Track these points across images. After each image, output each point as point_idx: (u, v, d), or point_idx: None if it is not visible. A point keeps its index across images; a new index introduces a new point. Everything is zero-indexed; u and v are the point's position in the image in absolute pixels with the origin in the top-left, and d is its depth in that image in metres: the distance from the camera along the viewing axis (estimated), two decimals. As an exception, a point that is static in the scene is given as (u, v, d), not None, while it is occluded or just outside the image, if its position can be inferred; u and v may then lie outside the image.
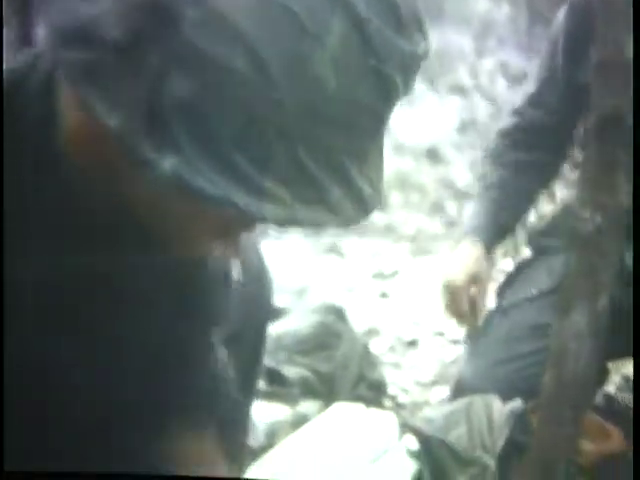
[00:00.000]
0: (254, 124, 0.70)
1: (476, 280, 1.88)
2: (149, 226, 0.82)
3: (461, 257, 1.90)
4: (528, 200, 2.04)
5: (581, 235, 0.65)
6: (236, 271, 0.99)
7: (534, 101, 1.96)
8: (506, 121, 2.03)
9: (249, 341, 1.25)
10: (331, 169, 0.73)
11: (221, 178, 0.69)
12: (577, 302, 0.60)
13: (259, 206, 0.70)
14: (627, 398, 2.18)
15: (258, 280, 1.16)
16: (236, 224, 0.83)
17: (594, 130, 0.81)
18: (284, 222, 0.73)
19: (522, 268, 2.07)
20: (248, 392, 1.30)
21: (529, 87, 1.99)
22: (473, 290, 1.88)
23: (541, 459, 0.59)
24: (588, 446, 1.77)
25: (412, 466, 1.76)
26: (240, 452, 1.32)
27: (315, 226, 0.75)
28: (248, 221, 0.81)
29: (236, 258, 0.99)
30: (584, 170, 0.81)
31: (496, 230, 1.96)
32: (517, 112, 2.00)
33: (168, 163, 0.69)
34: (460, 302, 1.87)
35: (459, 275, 1.87)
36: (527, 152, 1.96)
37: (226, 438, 1.06)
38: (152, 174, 0.69)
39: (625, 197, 0.69)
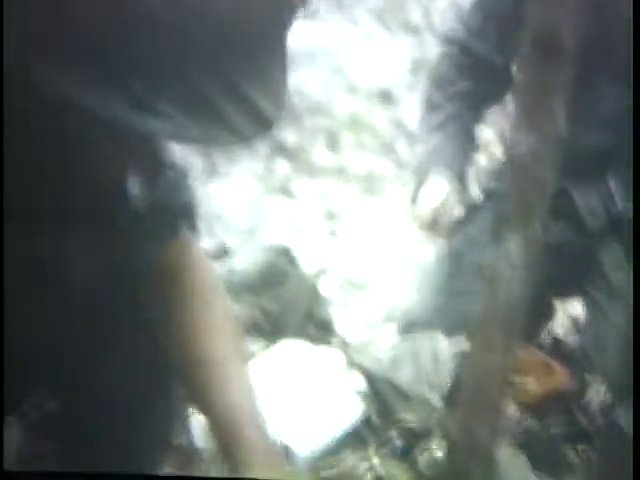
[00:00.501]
0: (147, 46, 0.71)
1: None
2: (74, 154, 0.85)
3: (433, 193, 1.90)
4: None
5: (515, 160, 0.64)
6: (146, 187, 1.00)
7: (477, 31, 1.92)
8: (451, 49, 2.00)
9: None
10: (226, 88, 0.75)
11: (113, 99, 0.71)
12: (510, 229, 0.59)
13: (151, 124, 0.73)
14: (573, 339, 2.21)
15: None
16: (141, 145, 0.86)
17: (529, 51, 0.79)
18: (176, 138, 0.78)
19: (471, 211, 2.07)
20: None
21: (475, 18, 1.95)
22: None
23: (474, 387, 0.58)
24: (533, 384, 1.79)
25: (359, 405, 1.76)
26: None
27: (209, 142, 0.79)
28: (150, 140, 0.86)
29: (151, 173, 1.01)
30: (519, 93, 0.80)
31: (464, 159, 1.95)
32: (460, 41, 1.96)
33: (63, 84, 0.70)
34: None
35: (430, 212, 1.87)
36: (475, 81, 1.94)
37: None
38: (49, 94, 0.71)
39: (562, 122, 0.68)
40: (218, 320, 1.18)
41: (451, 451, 0.56)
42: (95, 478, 0.91)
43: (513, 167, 0.66)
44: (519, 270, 0.54)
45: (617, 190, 1.83)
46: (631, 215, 0.81)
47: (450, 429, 0.55)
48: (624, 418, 0.70)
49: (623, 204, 1.81)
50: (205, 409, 1.16)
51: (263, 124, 0.79)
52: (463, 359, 1.59)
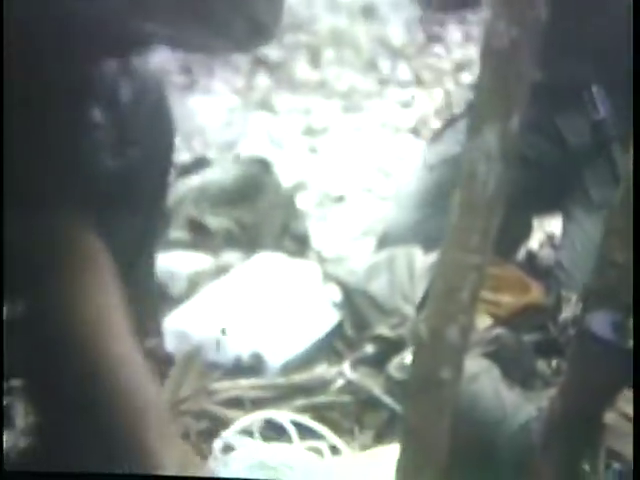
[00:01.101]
0: None
1: None
2: None
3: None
4: None
5: (495, 50, 0.62)
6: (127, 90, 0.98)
7: None
8: None
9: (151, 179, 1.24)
10: None
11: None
12: (488, 121, 0.57)
13: (149, 27, 0.74)
14: (549, 255, 2.22)
15: (155, 111, 1.14)
16: (125, 43, 0.83)
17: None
18: (174, 43, 0.80)
19: (450, 124, 2.04)
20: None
21: None
22: None
23: (445, 288, 0.57)
24: (507, 300, 1.80)
25: (334, 316, 1.76)
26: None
27: (209, 49, 0.78)
28: (138, 40, 0.81)
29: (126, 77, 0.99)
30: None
31: None
32: None
33: None
34: None
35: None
36: None
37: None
38: None
39: (544, 10, 0.66)
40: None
41: (420, 354, 0.55)
42: (95, 478, 0.91)
43: (491, 58, 0.64)
44: (496, 162, 0.52)
45: (601, 100, 1.82)
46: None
47: (420, 331, 0.55)
48: (595, 323, 0.69)
49: (606, 110, 1.80)
50: None
51: (263, 35, 0.80)
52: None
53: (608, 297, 0.69)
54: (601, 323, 0.68)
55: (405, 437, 0.57)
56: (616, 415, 1.43)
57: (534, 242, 2.26)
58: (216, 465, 1.34)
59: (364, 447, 1.47)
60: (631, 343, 0.68)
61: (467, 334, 0.56)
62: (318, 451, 1.43)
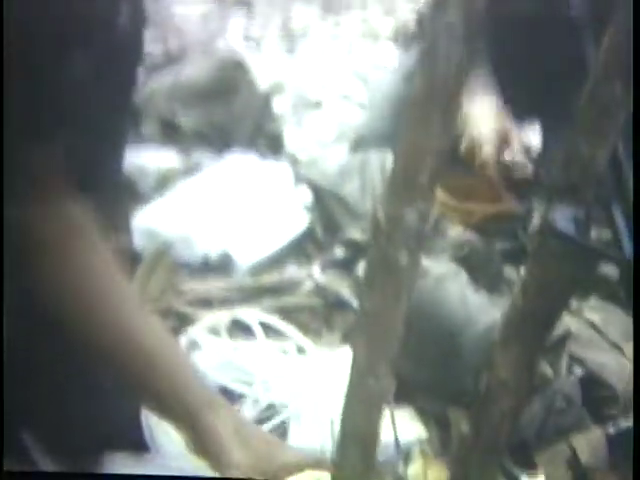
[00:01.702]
0: None
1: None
2: None
3: None
4: None
5: None
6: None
7: None
8: None
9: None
10: None
11: None
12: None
13: None
14: (524, 165, 2.20)
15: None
16: None
17: None
18: None
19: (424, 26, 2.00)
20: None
21: None
22: None
23: (404, 172, 0.55)
24: (478, 206, 1.79)
25: (304, 219, 1.76)
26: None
27: None
28: None
29: None
30: None
31: None
32: None
33: None
34: None
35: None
36: None
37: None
38: None
39: None
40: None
41: (377, 238, 0.54)
42: (95, 478, 0.89)
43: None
44: (459, 40, 0.50)
45: None
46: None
47: (377, 216, 0.53)
48: (558, 219, 0.68)
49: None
50: None
51: None
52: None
53: (571, 192, 0.68)
54: (563, 218, 0.68)
55: (360, 324, 0.56)
56: (580, 323, 1.45)
57: (510, 153, 2.24)
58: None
59: (331, 347, 1.48)
60: (592, 240, 0.68)
61: (426, 220, 0.55)
62: (284, 351, 1.43)
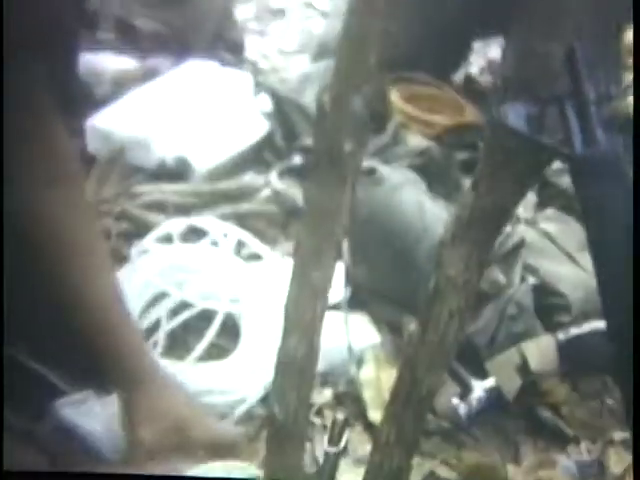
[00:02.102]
0: None
1: None
2: None
3: None
4: None
5: None
6: None
7: None
8: None
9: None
10: None
11: None
12: None
13: None
14: (487, 80, 2.19)
15: None
16: None
17: None
18: None
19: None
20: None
21: None
22: None
23: (350, 55, 0.53)
24: (440, 118, 1.78)
25: (263, 126, 1.73)
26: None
27: None
28: None
29: None
30: None
31: None
32: None
33: None
34: None
35: None
36: None
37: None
38: None
39: None
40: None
41: (321, 124, 0.52)
42: (95, 478, 0.88)
43: None
44: None
45: None
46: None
47: (322, 100, 0.52)
48: (510, 115, 0.67)
49: None
50: None
51: None
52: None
53: (524, 89, 0.67)
54: (515, 115, 0.67)
55: (305, 214, 0.55)
56: (535, 233, 1.45)
57: (474, 67, 2.22)
58: (132, 268, 1.33)
59: (288, 255, 1.47)
60: (544, 137, 0.67)
61: (371, 106, 0.53)
62: (240, 256, 1.43)
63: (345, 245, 1.36)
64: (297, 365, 0.61)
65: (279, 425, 0.64)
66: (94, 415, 1.09)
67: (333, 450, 1.13)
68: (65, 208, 1.05)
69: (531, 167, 0.72)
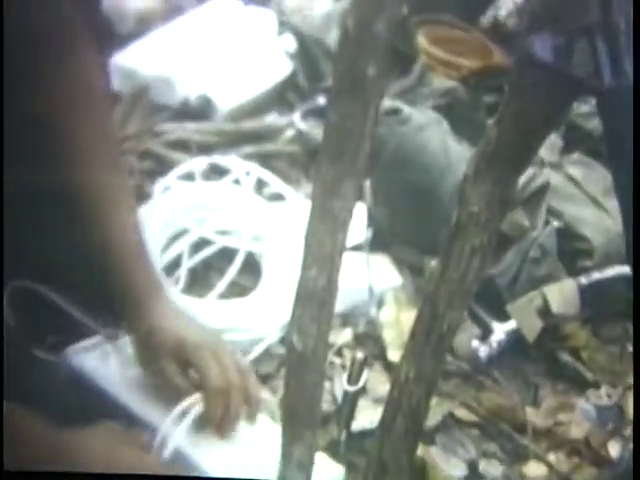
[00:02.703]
0: None
1: None
2: None
3: None
4: None
5: None
6: None
7: None
8: None
9: None
10: None
11: None
12: None
13: None
14: (515, 22, 2.15)
15: None
16: None
17: None
18: None
19: None
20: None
21: None
22: None
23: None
24: (467, 61, 1.76)
25: (287, 66, 1.72)
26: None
27: None
28: None
29: None
30: None
31: None
32: None
33: None
34: None
35: None
36: None
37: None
38: None
39: None
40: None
41: (345, 44, 0.51)
42: (95, 478, 0.87)
43: None
44: None
45: None
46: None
47: (346, 22, 0.51)
48: (537, 46, 0.66)
49: None
50: None
51: None
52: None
53: (552, 21, 0.65)
54: (543, 46, 0.65)
55: (327, 138, 0.54)
56: (560, 176, 1.44)
57: (502, 11, 2.18)
58: (154, 206, 1.33)
59: (309, 196, 1.46)
60: (571, 68, 0.65)
61: (394, 31, 0.52)
62: (262, 196, 1.42)
63: (367, 186, 1.35)
64: (317, 297, 0.61)
65: (298, 356, 0.64)
66: (108, 358, 1.08)
67: (352, 389, 1.15)
68: (90, 144, 1.05)
69: (557, 103, 0.71)
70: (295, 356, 0.64)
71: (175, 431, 0.97)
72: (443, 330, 0.80)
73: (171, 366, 1.01)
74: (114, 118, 1.47)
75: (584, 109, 1.49)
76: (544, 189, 1.34)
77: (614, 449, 1.16)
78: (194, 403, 0.99)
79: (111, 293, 1.04)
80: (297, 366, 0.65)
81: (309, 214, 0.59)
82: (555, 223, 1.34)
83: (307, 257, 0.59)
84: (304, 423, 0.68)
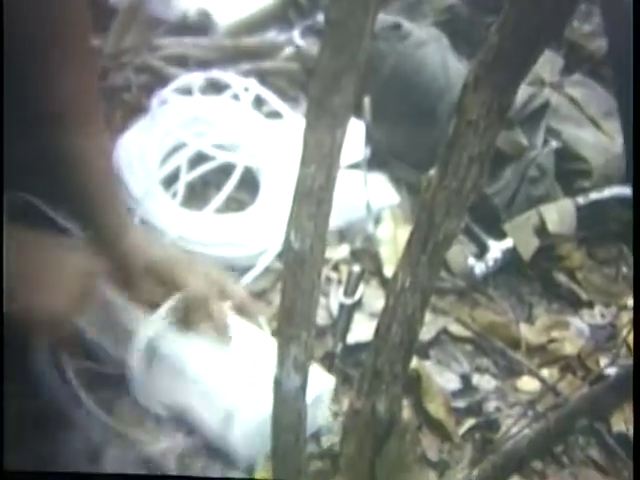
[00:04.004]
0: None
1: None
2: None
3: None
4: None
5: None
6: None
7: None
8: None
9: None
10: None
11: None
12: None
13: None
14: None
15: None
16: None
17: None
18: None
19: None
20: None
21: None
22: None
23: None
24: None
25: None
26: None
27: None
28: None
29: None
30: None
31: None
32: None
33: None
34: None
35: None
36: None
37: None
38: None
39: None
40: None
41: None
42: (95, 478, 0.86)
43: None
44: None
45: None
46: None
47: None
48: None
49: None
50: None
51: None
52: None
53: None
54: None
55: (326, 33, 0.54)
56: (560, 97, 1.43)
57: None
58: (152, 119, 1.32)
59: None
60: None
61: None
62: (260, 113, 1.41)
63: (366, 103, 1.34)
64: (314, 195, 0.61)
65: (295, 255, 0.64)
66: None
67: (348, 301, 1.16)
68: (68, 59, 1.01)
69: (559, 10, 0.70)
70: (292, 255, 0.64)
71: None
72: (439, 239, 0.80)
73: (147, 285, 1.01)
74: (111, 32, 1.45)
75: (587, 29, 1.48)
76: (544, 109, 1.33)
77: (606, 365, 1.18)
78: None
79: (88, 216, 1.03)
80: (294, 265, 0.65)
81: (307, 111, 0.59)
82: (554, 143, 1.33)
83: (305, 154, 0.59)
84: (300, 323, 0.68)
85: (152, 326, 0.98)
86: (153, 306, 1.01)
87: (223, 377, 0.97)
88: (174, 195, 1.27)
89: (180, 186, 1.28)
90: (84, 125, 0.99)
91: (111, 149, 1.07)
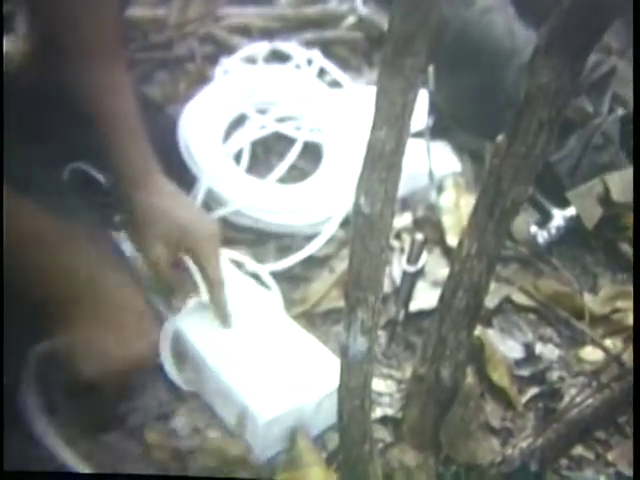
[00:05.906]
0: None
1: None
2: None
3: None
4: None
5: None
6: None
7: None
8: None
9: None
10: None
11: None
12: None
13: None
14: None
15: None
16: None
17: None
18: None
19: None
20: None
21: None
22: None
23: None
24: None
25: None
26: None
27: None
28: None
29: None
30: None
31: None
32: None
33: None
34: None
35: None
36: None
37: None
38: None
39: None
40: None
41: None
42: (95, 478, 0.86)
43: None
44: None
45: None
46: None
47: None
48: None
49: None
50: None
51: None
52: None
53: None
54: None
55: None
56: (626, 63, 1.40)
57: None
58: (216, 88, 1.33)
59: (371, 84, 1.46)
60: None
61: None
62: (321, 83, 1.41)
63: (430, 71, 1.34)
64: (385, 160, 0.61)
65: (364, 219, 0.64)
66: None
67: (411, 269, 1.16)
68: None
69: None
70: (362, 219, 0.65)
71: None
72: (507, 205, 0.80)
73: (163, 252, 0.99)
74: (175, 2, 1.46)
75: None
76: (610, 76, 1.31)
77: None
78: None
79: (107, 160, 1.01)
80: (363, 229, 0.65)
81: (378, 74, 0.59)
82: (620, 111, 1.31)
83: (377, 118, 0.59)
84: (368, 287, 0.69)
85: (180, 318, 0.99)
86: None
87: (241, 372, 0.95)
88: (238, 161, 1.28)
89: (244, 155, 1.29)
90: (101, 61, 0.97)
91: (129, 89, 1.01)
